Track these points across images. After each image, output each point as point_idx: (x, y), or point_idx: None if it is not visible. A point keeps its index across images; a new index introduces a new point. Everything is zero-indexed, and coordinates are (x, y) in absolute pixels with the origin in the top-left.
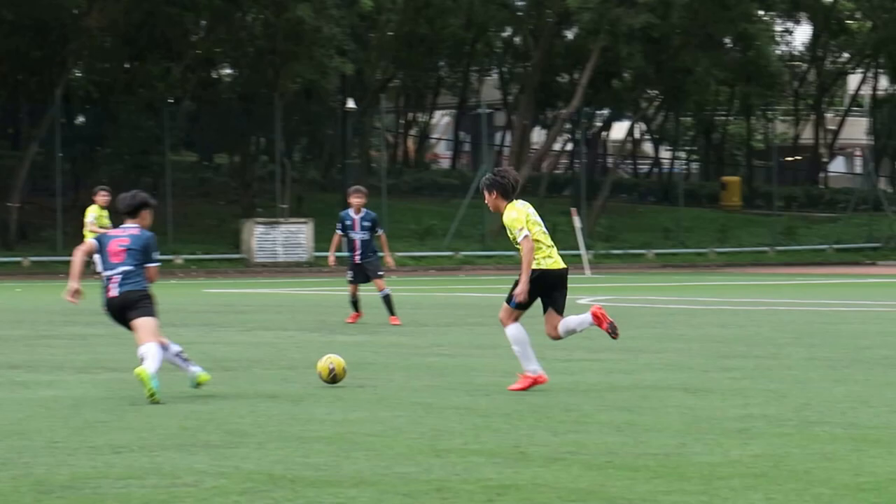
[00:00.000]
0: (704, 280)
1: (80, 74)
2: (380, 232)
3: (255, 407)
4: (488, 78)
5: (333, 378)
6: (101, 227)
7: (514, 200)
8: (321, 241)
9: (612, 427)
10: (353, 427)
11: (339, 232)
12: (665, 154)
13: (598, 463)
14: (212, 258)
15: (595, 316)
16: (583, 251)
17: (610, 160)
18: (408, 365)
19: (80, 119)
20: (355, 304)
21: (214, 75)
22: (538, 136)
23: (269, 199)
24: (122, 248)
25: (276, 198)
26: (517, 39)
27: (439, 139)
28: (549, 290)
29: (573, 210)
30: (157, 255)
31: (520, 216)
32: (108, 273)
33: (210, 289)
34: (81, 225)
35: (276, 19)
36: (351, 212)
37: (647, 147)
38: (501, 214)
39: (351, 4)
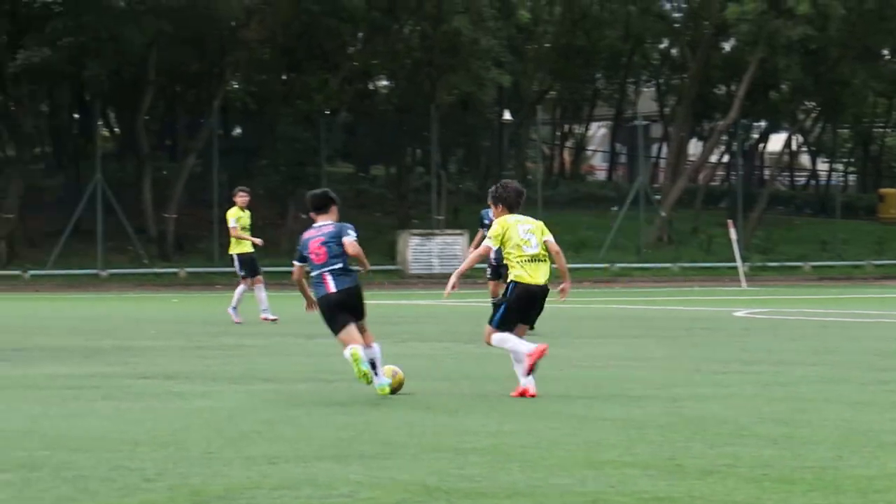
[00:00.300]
0: (861, 293)
1: (237, 86)
2: None
3: (410, 418)
4: (645, 89)
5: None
6: (242, 229)
7: (510, 215)
8: None
9: (767, 440)
10: (507, 438)
11: (481, 230)
12: (822, 166)
13: (753, 476)
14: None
15: (531, 357)
16: (739, 263)
17: (767, 172)
18: (563, 377)
19: (238, 130)
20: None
21: (371, 87)
22: (695, 147)
23: (425, 211)
24: (321, 245)
25: (431, 209)
26: (674, 51)
27: (595, 151)
28: (527, 306)
29: (730, 222)
30: (351, 232)
31: (497, 230)
32: (319, 271)
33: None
34: None
35: (434, 31)
36: (491, 211)
37: (804, 159)
38: None
39: (508, 16)
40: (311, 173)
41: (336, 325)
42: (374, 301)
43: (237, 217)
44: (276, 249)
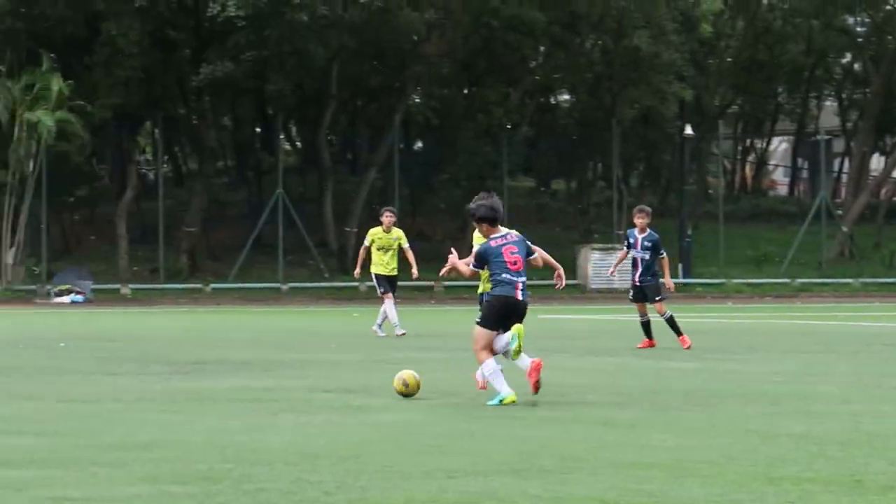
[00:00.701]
0: None
1: (418, 100)
2: (662, 255)
3: (589, 433)
4: (827, 104)
5: (408, 392)
6: (379, 249)
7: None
8: None
9: None
10: (686, 454)
11: (624, 249)
12: None
13: None
14: (547, 284)
15: (535, 366)
16: None
17: None
18: (742, 392)
19: (419, 145)
20: (647, 328)
21: (552, 101)
22: (877, 162)
23: (606, 225)
24: (517, 255)
25: (612, 224)
26: (857, 66)
27: (777, 166)
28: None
29: None
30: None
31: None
32: (512, 278)
33: (545, 314)
34: (418, 250)
35: (614, 46)
36: (636, 231)
37: None
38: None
39: (691, 30)
40: (491, 188)
41: (495, 326)
42: (554, 315)
43: (373, 238)
44: None
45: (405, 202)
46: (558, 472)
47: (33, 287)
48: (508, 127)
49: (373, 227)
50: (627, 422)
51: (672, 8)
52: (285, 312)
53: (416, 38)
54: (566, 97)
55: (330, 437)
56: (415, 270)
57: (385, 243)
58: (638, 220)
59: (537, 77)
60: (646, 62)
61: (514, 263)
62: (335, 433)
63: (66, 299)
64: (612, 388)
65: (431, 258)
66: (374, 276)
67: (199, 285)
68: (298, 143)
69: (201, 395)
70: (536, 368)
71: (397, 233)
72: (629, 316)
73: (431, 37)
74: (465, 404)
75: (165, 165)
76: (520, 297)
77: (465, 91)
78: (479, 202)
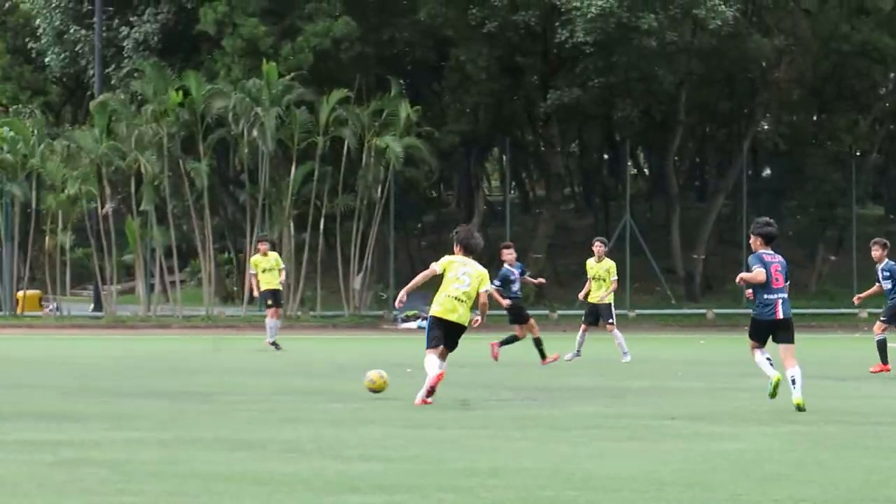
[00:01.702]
0: None
1: (767, 127)
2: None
3: None
4: None
5: (375, 388)
6: (594, 280)
7: (459, 256)
8: None
9: None
10: None
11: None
12: None
13: None
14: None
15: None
16: None
17: None
18: None
19: (766, 171)
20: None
21: None
22: None
23: None
24: (781, 273)
25: None
26: None
27: None
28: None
29: None
30: None
31: (444, 263)
32: (771, 296)
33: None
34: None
35: None
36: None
37: None
38: None
39: None
40: (840, 215)
41: (762, 341)
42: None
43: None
44: (805, 293)
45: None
46: None
47: (380, 312)
48: (858, 154)
49: (718, 252)
50: None
51: None
52: (631, 339)
53: (764, 64)
54: None
55: (677, 464)
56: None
57: (599, 272)
58: (874, 252)
59: (887, 104)
60: None
61: (777, 280)
62: (682, 460)
63: (412, 325)
64: None
65: None
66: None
67: (546, 312)
68: (646, 170)
69: (548, 422)
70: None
71: (608, 264)
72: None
73: (781, 63)
74: (813, 432)
75: (513, 192)
76: (780, 315)
77: (815, 117)
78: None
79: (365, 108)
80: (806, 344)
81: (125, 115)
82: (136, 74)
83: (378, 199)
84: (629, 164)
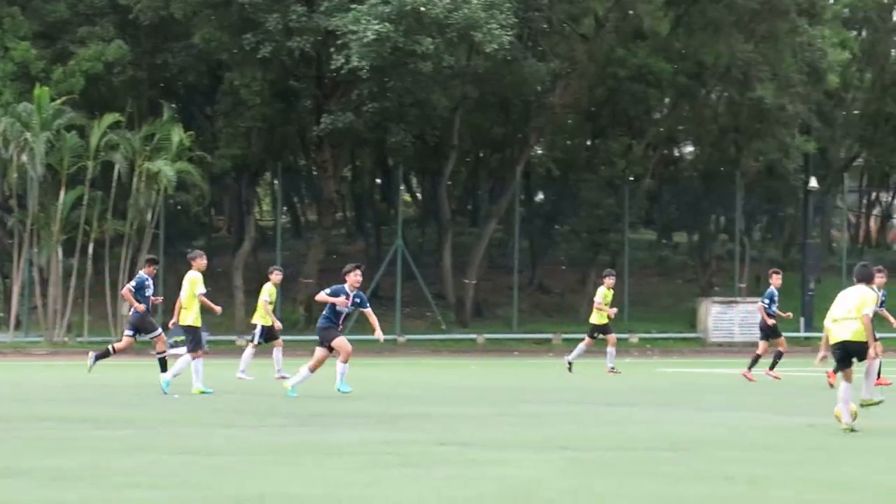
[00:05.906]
0: None
1: (540, 151)
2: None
3: (714, 488)
4: None
5: None
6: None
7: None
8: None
9: None
10: None
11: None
12: None
13: None
14: (667, 337)
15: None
16: None
17: None
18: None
19: (540, 196)
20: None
21: (676, 153)
22: None
23: (727, 278)
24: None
25: (734, 277)
26: None
27: None
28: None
29: None
30: None
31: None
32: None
33: (665, 368)
34: (538, 302)
35: (740, 97)
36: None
37: None
38: None
39: (817, 82)
40: (613, 240)
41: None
42: (674, 369)
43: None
44: (576, 318)
45: (524, 254)
46: None
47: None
48: (631, 179)
49: (489, 277)
50: (750, 476)
51: (799, 59)
52: (402, 364)
53: (539, 88)
54: (690, 149)
55: (447, 491)
56: None
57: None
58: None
59: (661, 129)
60: (771, 114)
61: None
62: (453, 487)
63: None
64: (736, 443)
65: (552, 311)
66: None
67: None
68: (418, 194)
69: (319, 448)
70: None
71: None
72: (755, 372)
73: (556, 87)
74: (584, 458)
75: (284, 216)
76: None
77: (588, 142)
78: None
79: (137, 132)
80: (584, 368)
81: None
82: None
83: (148, 223)
84: (402, 188)
